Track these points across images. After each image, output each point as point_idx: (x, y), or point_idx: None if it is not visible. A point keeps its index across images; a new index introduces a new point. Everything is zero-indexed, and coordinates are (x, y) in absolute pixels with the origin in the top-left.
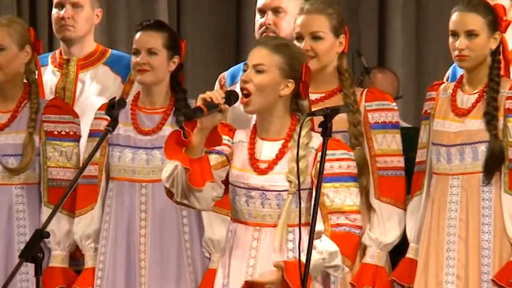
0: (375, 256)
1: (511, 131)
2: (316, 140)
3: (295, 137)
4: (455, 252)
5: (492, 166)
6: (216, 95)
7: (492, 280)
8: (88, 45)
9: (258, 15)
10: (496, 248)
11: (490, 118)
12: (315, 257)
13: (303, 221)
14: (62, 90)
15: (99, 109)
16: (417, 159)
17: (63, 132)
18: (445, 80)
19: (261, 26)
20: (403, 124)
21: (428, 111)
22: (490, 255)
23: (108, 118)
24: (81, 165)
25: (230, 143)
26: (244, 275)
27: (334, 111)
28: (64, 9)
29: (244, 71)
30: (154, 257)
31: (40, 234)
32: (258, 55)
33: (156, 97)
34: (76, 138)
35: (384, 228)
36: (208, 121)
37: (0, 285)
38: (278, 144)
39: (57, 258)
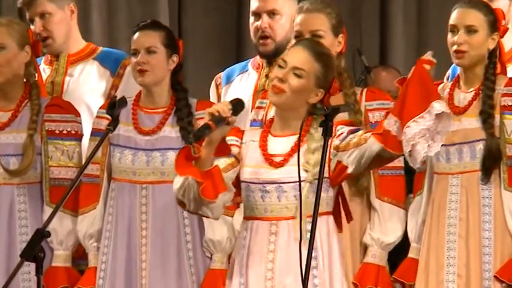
0: (377, 256)
1: (508, 128)
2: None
3: (312, 131)
4: (456, 251)
5: (490, 164)
6: (223, 107)
7: (494, 276)
8: (75, 41)
9: (252, 18)
10: (497, 245)
11: (486, 116)
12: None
13: (321, 210)
14: (51, 84)
15: (100, 107)
16: None
17: (64, 132)
18: (445, 79)
19: (256, 29)
20: None
21: None
22: (491, 253)
23: (109, 117)
24: (82, 163)
25: (238, 143)
26: (264, 271)
27: (334, 110)
28: (34, 23)
29: (280, 66)
30: (155, 258)
31: (41, 234)
32: (301, 58)
33: (157, 97)
34: (78, 137)
35: (385, 228)
36: (217, 134)
37: (2, 285)
38: (293, 138)
39: (60, 257)
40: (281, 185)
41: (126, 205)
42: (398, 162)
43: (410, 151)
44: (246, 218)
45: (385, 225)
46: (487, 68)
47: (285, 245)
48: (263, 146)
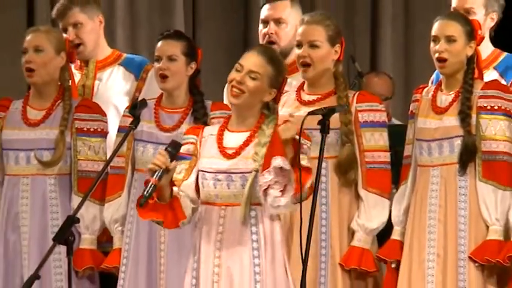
0: (362, 240)
1: (483, 126)
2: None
3: (263, 127)
4: (435, 234)
5: (466, 159)
6: (162, 159)
7: (469, 257)
8: (103, 48)
9: (261, 26)
10: (471, 230)
11: (464, 116)
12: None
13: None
14: (82, 87)
15: (127, 107)
16: (404, 154)
17: (92, 129)
18: (429, 83)
19: (264, 35)
20: (395, 122)
21: (414, 111)
22: (466, 236)
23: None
24: (107, 158)
25: (194, 140)
26: (213, 250)
27: (331, 110)
28: (68, 32)
29: (237, 70)
30: (172, 241)
31: (71, 220)
32: (255, 62)
33: (176, 99)
34: (103, 134)
35: (369, 215)
36: (163, 182)
37: (36, 265)
38: (246, 134)
39: (86, 241)
40: (230, 174)
41: None
42: (385, 158)
43: (265, 196)
44: (202, 202)
45: (370, 213)
46: (466, 73)
47: (232, 227)
48: (219, 139)
